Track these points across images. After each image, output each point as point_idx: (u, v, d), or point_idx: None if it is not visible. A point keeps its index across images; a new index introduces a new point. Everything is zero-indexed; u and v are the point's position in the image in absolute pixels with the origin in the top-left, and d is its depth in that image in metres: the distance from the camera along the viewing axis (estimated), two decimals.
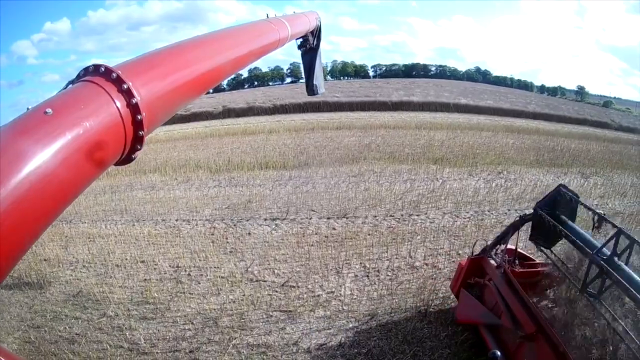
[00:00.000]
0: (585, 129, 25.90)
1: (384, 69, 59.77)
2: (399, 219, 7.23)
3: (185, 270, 5.66)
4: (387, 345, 4.00)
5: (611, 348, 2.45)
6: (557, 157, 13.49)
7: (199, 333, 4.27)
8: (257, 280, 5.32)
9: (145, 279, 5.45)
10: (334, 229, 6.82)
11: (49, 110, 1.17)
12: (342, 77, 50.88)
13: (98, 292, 5.07)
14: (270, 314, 4.59)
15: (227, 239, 6.74)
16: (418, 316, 4.41)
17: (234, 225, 7.34)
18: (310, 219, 7.29)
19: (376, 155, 12.12)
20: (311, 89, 5.14)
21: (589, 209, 3.01)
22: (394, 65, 60.37)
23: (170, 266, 5.84)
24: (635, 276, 2.36)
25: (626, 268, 2.46)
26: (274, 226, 7.12)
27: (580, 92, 53.90)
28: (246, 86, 49.20)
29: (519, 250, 3.81)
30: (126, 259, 6.09)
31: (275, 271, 5.53)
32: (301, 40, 4.48)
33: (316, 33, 4.60)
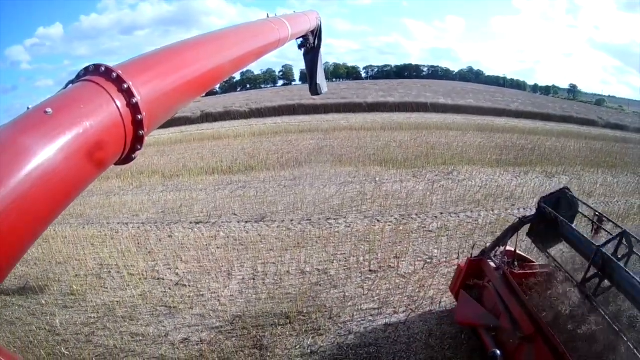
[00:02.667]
0: (570, 126, 25.43)
1: (376, 70, 60.05)
2: (315, 223, 7.52)
3: (107, 268, 6.26)
4: (240, 347, 4.28)
5: (611, 348, 2.49)
6: (523, 155, 13.20)
7: (99, 321, 4.91)
8: (158, 278, 5.83)
9: (75, 275, 6.10)
10: (246, 232, 7.21)
11: (49, 109, 1.17)
12: (334, 79, 51.02)
13: (39, 285, 5.78)
14: (157, 308, 5.10)
15: (150, 240, 7.21)
16: (284, 322, 4.61)
17: (163, 228, 7.80)
18: (230, 222, 7.70)
19: (324, 158, 12.29)
20: (314, 89, 5.20)
21: (590, 207, 3.27)
22: (386, 66, 60.67)
23: (97, 264, 6.44)
24: (634, 276, 2.47)
25: (625, 269, 2.57)
26: (196, 229, 7.56)
27: (573, 91, 53.49)
28: (239, 89, 49.63)
29: (518, 252, 3.87)
30: (67, 258, 6.70)
31: (176, 271, 5.99)
32: (302, 40, 4.50)
33: (317, 32, 4.63)
